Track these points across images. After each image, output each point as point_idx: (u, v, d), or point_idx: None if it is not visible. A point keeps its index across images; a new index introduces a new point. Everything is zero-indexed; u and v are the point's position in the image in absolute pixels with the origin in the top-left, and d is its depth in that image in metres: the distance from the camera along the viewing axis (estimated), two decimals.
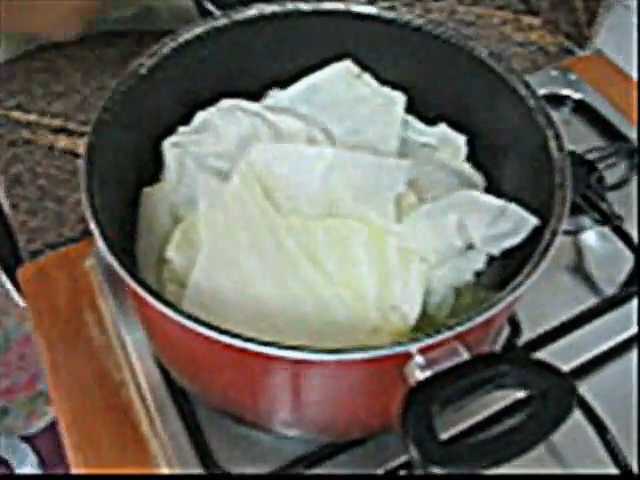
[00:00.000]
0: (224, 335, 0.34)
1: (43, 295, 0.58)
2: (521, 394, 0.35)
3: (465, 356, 0.36)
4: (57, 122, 0.70)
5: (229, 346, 0.34)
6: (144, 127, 0.49)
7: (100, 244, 0.38)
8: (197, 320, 0.34)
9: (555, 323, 0.55)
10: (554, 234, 0.39)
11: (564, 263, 0.60)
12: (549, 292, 0.57)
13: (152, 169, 0.51)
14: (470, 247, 0.45)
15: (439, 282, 0.44)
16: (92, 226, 0.39)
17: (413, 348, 0.35)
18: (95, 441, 0.51)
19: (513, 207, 0.44)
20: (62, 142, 0.69)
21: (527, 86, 0.46)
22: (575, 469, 0.48)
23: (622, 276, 0.59)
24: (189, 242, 0.44)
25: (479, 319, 0.36)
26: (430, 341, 0.35)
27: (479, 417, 0.45)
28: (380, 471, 0.47)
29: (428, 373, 0.35)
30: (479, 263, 0.45)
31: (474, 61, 0.50)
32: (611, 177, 0.65)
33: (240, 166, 0.46)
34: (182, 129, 0.51)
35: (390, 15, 0.52)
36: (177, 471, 0.47)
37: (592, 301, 0.58)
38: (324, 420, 0.43)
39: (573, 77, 0.73)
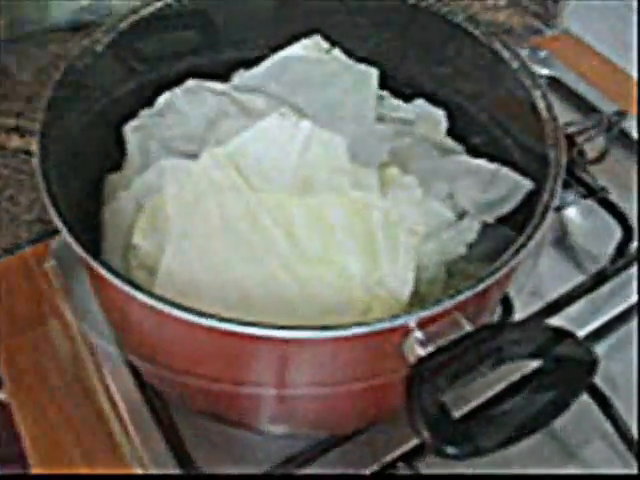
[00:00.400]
0: (204, 317, 0.31)
1: (1, 302, 0.54)
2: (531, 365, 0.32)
3: (468, 328, 0.33)
4: (8, 121, 0.66)
5: (210, 329, 0.31)
6: (102, 110, 0.45)
7: (64, 233, 0.34)
8: (173, 303, 0.31)
9: (546, 300, 0.53)
10: (552, 195, 0.36)
11: (549, 239, 0.58)
12: (537, 269, 0.55)
13: (116, 156, 0.47)
14: (460, 217, 0.42)
15: (430, 257, 0.41)
16: (53, 215, 0.35)
17: (411, 321, 0.32)
18: (65, 455, 0.46)
19: (505, 171, 0.41)
20: (15, 142, 0.65)
21: (508, 48, 0.44)
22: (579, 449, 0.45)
23: (609, 249, 0.57)
24: (155, 226, 0.41)
25: (481, 286, 0.33)
26: (429, 313, 0.32)
27: (490, 393, 0.42)
28: (375, 467, 0.44)
29: (430, 348, 0.32)
30: (471, 234, 0.42)
31: (450, 27, 0.47)
32: (591, 151, 0.63)
33: (209, 144, 0.43)
34: (145, 112, 0.47)
35: None
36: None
37: (580, 277, 0.56)
38: (315, 411, 0.40)
39: (543, 54, 0.72)
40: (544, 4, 0.78)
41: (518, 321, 0.46)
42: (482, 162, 0.43)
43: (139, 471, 0.44)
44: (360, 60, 0.52)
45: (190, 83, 0.49)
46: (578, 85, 0.69)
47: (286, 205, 0.40)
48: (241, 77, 0.51)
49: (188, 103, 0.48)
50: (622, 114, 0.64)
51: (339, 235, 0.40)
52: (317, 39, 0.52)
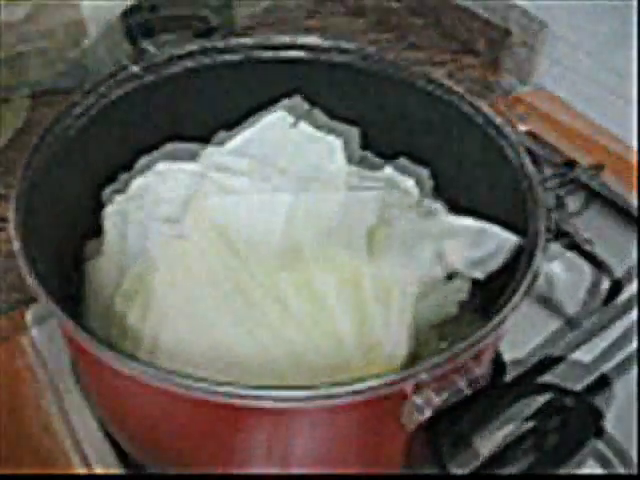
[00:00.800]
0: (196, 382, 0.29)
1: None
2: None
3: (465, 390, 0.32)
4: None
5: (199, 395, 0.29)
6: (81, 173, 0.45)
7: (50, 306, 0.33)
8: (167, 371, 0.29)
9: (537, 358, 0.52)
10: (537, 239, 0.36)
11: (534, 295, 0.58)
12: (523, 326, 0.55)
13: (93, 218, 0.46)
14: (450, 277, 0.41)
15: (422, 318, 0.40)
16: (30, 281, 0.34)
17: (408, 385, 0.31)
18: None
19: (491, 228, 0.41)
20: None
21: (472, 105, 0.45)
22: None
23: (596, 302, 0.57)
24: (138, 291, 0.39)
25: (475, 346, 0.32)
26: (427, 375, 0.31)
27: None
28: None
29: (428, 413, 0.31)
30: (463, 293, 0.41)
31: (419, 93, 0.48)
32: (572, 204, 0.63)
33: (193, 217, 0.42)
34: (120, 197, 0.46)
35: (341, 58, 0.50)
36: None
37: (569, 334, 0.55)
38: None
39: (520, 111, 0.73)
40: (517, 62, 0.80)
41: (511, 382, 0.45)
42: (468, 221, 0.42)
43: None
44: (345, 120, 0.52)
45: (161, 166, 0.47)
46: (555, 140, 0.70)
47: (274, 275, 0.40)
48: (212, 154, 0.50)
49: (162, 185, 0.46)
50: (599, 167, 0.65)
51: (330, 302, 0.39)
52: (297, 100, 0.52)
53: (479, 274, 0.41)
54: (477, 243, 0.41)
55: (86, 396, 0.47)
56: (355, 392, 0.30)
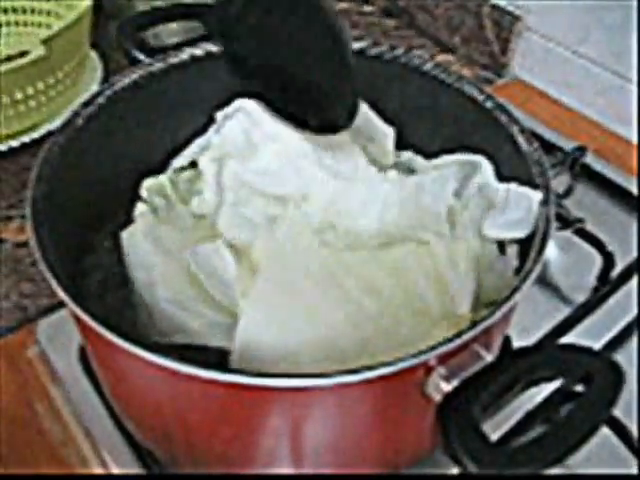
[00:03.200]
0: (208, 371, 0.30)
1: None
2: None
3: (489, 358, 0.33)
4: None
5: (211, 381, 0.30)
6: (89, 180, 0.45)
7: (78, 312, 0.33)
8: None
9: (539, 336, 0.53)
10: (548, 220, 0.37)
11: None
12: (522, 307, 0.56)
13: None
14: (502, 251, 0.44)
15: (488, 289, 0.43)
16: (61, 295, 0.34)
17: (431, 358, 0.32)
18: None
19: (516, 188, 0.44)
20: None
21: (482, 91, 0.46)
22: None
23: (590, 280, 0.58)
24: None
25: (496, 317, 0.33)
26: (450, 346, 0.32)
27: (521, 414, 0.42)
28: None
29: (455, 383, 0.32)
30: (515, 260, 0.44)
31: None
32: (558, 186, 0.65)
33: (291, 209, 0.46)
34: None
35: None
36: None
37: (565, 310, 0.56)
38: (334, 462, 0.38)
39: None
40: (492, 56, 0.82)
41: (533, 345, 0.46)
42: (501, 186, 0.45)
43: None
44: None
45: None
46: (536, 127, 0.72)
47: (366, 265, 0.42)
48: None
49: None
50: (582, 149, 0.67)
51: (413, 277, 0.42)
52: None
53: (519, 234, 0.43)
54: (510, 206, 0.43)
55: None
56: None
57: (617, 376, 0.29)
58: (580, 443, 0.27)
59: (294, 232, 0.44)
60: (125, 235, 0.46)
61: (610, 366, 0.29)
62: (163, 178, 0.50)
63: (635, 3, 0.67)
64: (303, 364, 0.37)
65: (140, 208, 0.49)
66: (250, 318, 0.39)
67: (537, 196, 0.40)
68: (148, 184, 0.50)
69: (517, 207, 0.42)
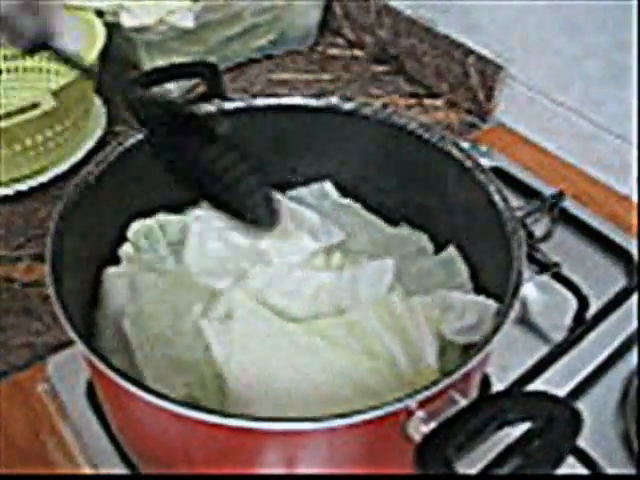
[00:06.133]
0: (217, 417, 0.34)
1: None
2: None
3: (463, 402, 0.36)
4: None
5: (220, 427, 0.34)
6: (100, 231, 0.49)
7: (90, 356, 0.37)
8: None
9: (518, 374, 0.57)
10: (519, 275, 0.41)
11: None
12: (503, 346, 0.59)
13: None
14: None
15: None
16: (72, 335, 0.38)
17: (412, 403, 0.36)
18: None
19: (475, 298, 0.48)
20: None
21: (461, 150, 0.50)
22: None
23: (567, 320, 0.62)
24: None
25: (473, 363, 0.37)
26: (428, 393, 0.36)
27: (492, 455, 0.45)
28: None
29: (433, 425, 0.35)
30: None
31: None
32: (538, 231, 0.69)
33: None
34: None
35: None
36: None
37: (544, 349, 0.60)
38: None
39: (484, 148, 0.79)
40: (477, 102, 0.86)
41: (503, 391, 0.50)
42: (457, 294, 0.49)
43: None
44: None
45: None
46: (518, 172, 0.76)
47: (323, 321, 0.47)
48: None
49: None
50: (561, 195, 0.71)
51: (378, 332, 0.45)
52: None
53: (466, 341, 0.47)
54: (463, 314, 0.47)
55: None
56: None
57: (576, 420, 0.33)
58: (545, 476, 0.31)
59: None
60: (107, 273, 0.51)
61: (570, 411, 0.33)
62: (151, 222, 0.55)
63: (613, 55, 0.72)
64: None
65: (126, 248, 0.54)
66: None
67: (493, 307, 0.45)
68: (136, 227, 0.54)
69: (473, 313, 0.47)
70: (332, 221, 0.56)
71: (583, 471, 0.48)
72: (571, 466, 0.48)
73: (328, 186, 0.61)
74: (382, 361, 0.44)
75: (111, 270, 0.52)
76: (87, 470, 0.51)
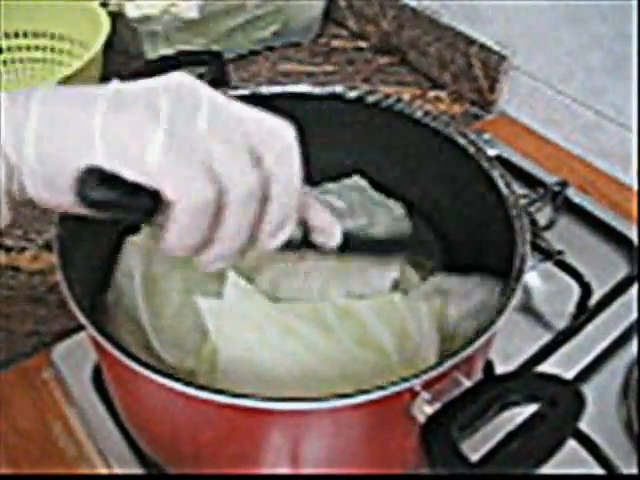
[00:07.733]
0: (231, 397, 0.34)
1: (3, 415, 0.55)
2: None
3: (467, 384, 0.37)
4: None
5: (228, 407, 0.34)
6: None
7: (97, 336, 0.37)
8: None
9: (521, 360, 0.57)
10: (523, 259, 0.41)
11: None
12: (507, 333, 0.60)
13: None
14: None
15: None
16: (79, 316, 0.38)
17: (417, 384, 0.36)
18: None
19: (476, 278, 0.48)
20: (1, 259, 0.68)
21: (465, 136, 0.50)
22: None
23: (570, 308, 0.62)
24: None
25: (475, 346, 0.37)
26: (433, 374, 0.36)
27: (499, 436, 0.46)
28: None
29: (437, 406, 0.36)
30: None
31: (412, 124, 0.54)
32: (541, 219, 0.69)
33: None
34: None
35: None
36: None
37: (547, 336, 0.60)
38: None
39: (487, 136, 0.79)
40: (481, 93, 0.86)
41: (508, 373, 0.50)
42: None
43: None
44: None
45: None
46: (521, 162, 0.76)
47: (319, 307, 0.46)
48: None
49: None
50: (564, 184, 0.71)
51: (371, 322, 0.45)
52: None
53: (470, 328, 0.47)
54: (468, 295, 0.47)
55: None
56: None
57: (579, 401, 0.33)
58: (547, 457, 0.31)
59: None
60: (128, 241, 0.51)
61: (573, 392, 0.33)
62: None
63: (615, 45, 0.72)
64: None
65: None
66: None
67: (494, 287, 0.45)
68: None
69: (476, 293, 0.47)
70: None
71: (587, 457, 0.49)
72: (574, 451, 0.48)
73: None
74: (371, 351, 0.44)
75: (132, 238, 0.52)
76: (94, 456, 0.52)
